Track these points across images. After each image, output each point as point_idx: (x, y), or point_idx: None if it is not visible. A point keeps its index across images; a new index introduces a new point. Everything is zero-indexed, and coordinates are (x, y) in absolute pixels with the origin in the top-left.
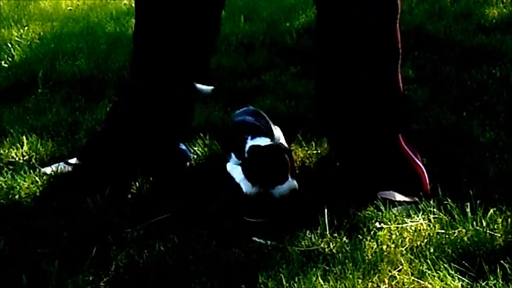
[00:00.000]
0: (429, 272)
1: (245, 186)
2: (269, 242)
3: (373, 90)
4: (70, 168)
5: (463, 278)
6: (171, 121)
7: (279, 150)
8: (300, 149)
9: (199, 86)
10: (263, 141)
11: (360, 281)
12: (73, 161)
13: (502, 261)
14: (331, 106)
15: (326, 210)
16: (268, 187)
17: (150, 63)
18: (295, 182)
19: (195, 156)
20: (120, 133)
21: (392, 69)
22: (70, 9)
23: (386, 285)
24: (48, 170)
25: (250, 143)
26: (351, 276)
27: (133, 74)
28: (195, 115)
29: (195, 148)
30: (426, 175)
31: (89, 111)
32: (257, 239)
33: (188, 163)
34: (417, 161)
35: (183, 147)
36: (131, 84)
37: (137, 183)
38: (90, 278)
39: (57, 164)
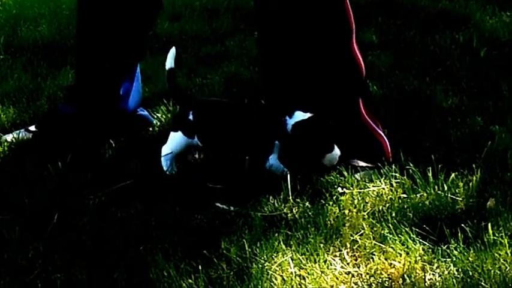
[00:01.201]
0: (390, 236)
1: None
2: (232, 208)
3: (328, 66)
4: (31, 136)
5: (424, 242)
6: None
7: (322, 119)
8: None
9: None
10: (302, 116)
11: (322, 245)
12: (34, 128)
13: (463, 225)
14: (282, 84)
15: (289, 175)
16: (319, 157)
17: (96, 35)
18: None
19: (158, 122)
20: (80, 101)
21: (346, 43)
22: None
23: (348, 250)
24: (9, 137)
25: (291, 122)
26: (313, 240)
27: (81, 47)
28: (158, 81)
29: (158, 115)
30: (388, 144)
31: (51, 78)
32: (220, 205)
33: (151, 129)
34: (378, 130)
35: (145, 112)
36: (83, 56)
37: (99, 150)
38: (52, 245)
39: (18, 131)
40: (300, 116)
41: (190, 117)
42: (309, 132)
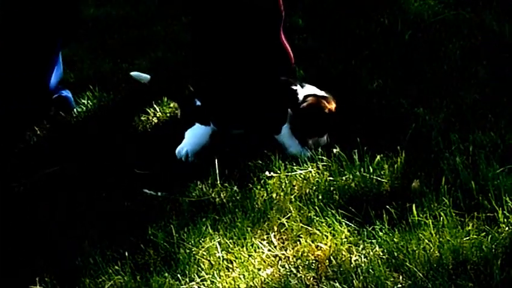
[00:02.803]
0: (317, 218)
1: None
2: (159, 193)
3: (258, 52)
4: None
5: (350, 224)
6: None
7: (331, 100)
8: None
9: (136, 74)
10: (313, 90)
11: (249, 229)
12: None
13: (387, 206)
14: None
15: (217, 160)
16: (319, 135)
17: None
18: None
19: (84, 108)
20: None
21: (275, 30)
22: None
23: (276, 233)
24: None
25: (302, 92)
26: (240, 224)
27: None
28: (83, 67)
29: (83, 100)
30: None
31: None
32: (147, 191)
33: (76, 114)
34: None
35: (69, 94)
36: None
37: (23, 137)
38: None
39: None
40: (309, 88)
41: (198, 103)
42: (315, 110)
